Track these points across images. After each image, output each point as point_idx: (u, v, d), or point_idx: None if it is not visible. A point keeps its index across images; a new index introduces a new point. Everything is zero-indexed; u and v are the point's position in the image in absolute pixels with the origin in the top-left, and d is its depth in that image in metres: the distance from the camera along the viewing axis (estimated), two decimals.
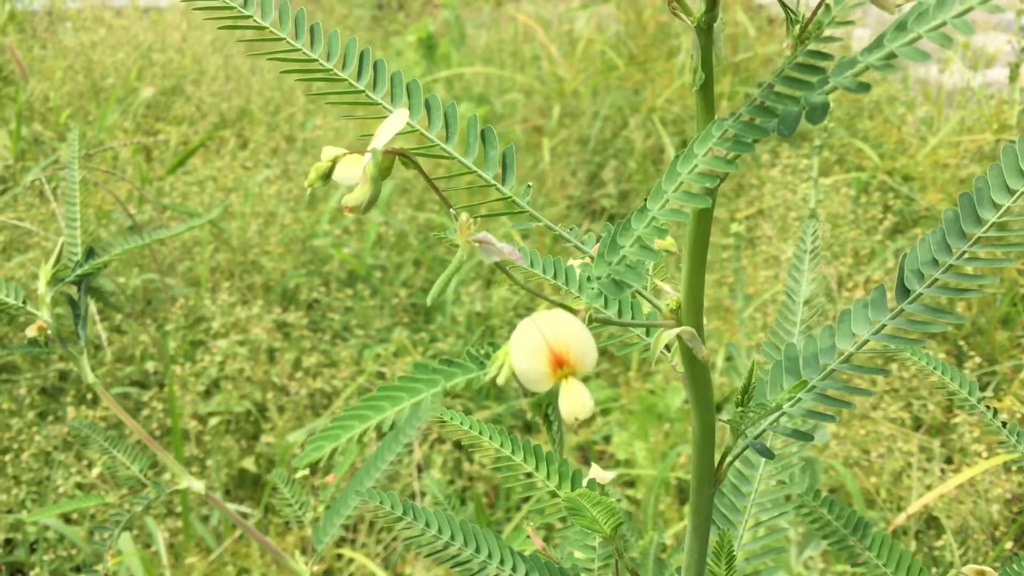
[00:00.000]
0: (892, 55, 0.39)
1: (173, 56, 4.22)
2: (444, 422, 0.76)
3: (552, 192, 3.44)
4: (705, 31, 0.43)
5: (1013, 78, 3.25)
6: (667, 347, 0.62)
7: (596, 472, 0.71)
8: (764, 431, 0.58)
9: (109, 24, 4.44)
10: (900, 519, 1.92)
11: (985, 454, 2.07)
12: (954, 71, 4.15)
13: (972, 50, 4.31)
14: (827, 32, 0.43)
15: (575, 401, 0.41)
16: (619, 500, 0.69)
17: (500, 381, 0.41)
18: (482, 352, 0.43)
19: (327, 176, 0.45)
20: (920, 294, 0.54)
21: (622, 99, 3.99)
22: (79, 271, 1.20)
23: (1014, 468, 2.03)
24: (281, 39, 0.53)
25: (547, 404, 0.43)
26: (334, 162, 0.45)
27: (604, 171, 3.54)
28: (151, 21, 4.67)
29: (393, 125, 0.44)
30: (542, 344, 0.40)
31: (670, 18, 4.42)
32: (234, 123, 3.88)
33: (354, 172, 0.45)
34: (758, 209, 3.17)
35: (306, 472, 1.24)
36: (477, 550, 0.69)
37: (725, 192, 3.40)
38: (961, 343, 2.51)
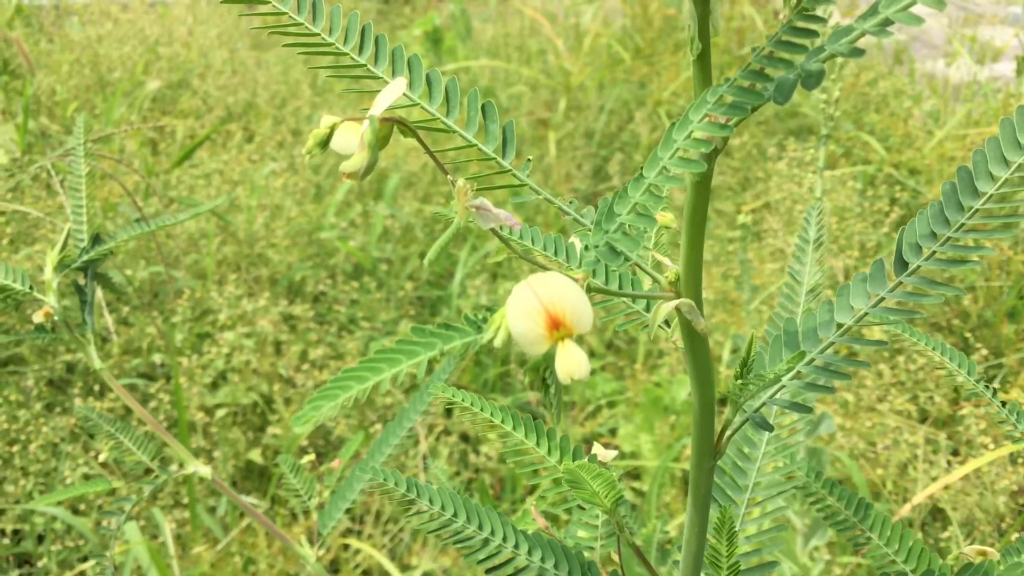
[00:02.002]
0: (888, 21, 0.40)
1: (179, 50, 4.23)
2: (452, 405, 0.76)
3: (558, 185, 3.44)
4: (702, 1, 0.44)
5: (1020, 71, 3.24)
6: (667, 323, 0.62)
7: (598, 450, 0.71)
8: (763, 404, 0.58)
9: (115, 18, 4.46)
10: (905, 510, 1.92)
11: (991, 446, 2.07)
12: (961, 65, 4.14)
13: (979, 43, 4.31)
14: None
15: (571, 362, 0.41)
16: (620, 478, 0.69)
17: (497, 343, 0.42)
18: (479, 316, 0.44)
19: (325, 143, 0.45)
20: (918, 267, 0.54)
21: (628, 93, 3.99)
22: (85, 257, 1.20)
23: (1020, 460, 2.03)
24: (284, 13, 0.54)
25: (544, 368, 0.43)
26: (332, 129, 0.45)
27: (610, 164, 3.54)
28: (157, 15, 4.68)
29: (391, 93, 0.44)
30: (538, 306, 0.41)
31: (676, 12, 4.41)
32: (240, 116, 3.88)
33: (352, 140, 0.45)
34: (764, 202, 3.17)
35: (312, 457, 1.24)
36: (480, 527, 0.70)
37: (731, 185, 3.40)
38: (968, 336, 2.51)
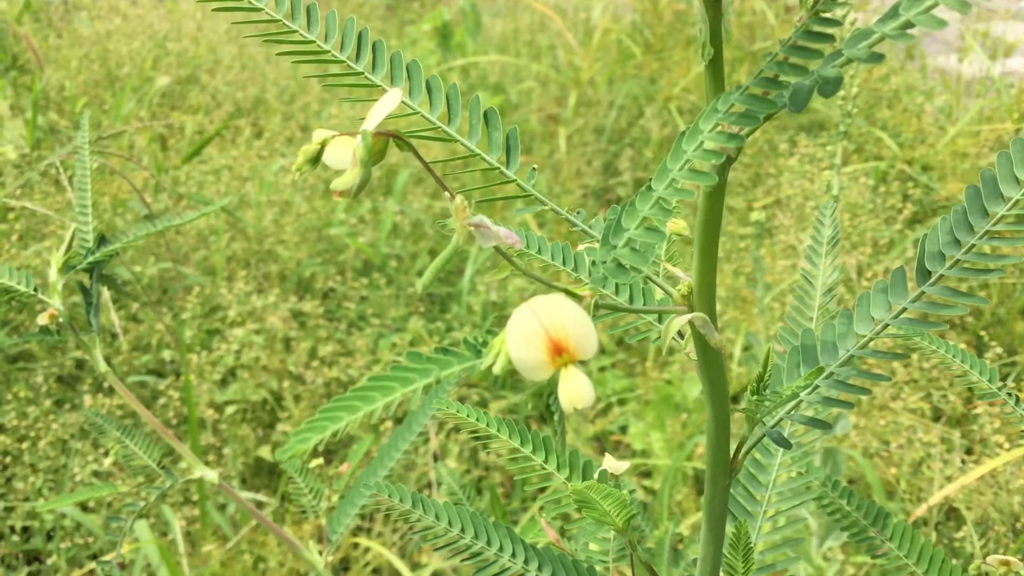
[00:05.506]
0: (909, 24, 0.38)
1: (188, 45, 4.22)
2: (459, 422, 0.75)
3: (568, 181, 3.42)
4: (713, 4, 0.42)
5: None
6: (681, 334, 0.60)
7: (609, 462, 0.69)
8: (781, 420, 0.56)
9: (124, 13, 4.45)
10: (921, 510, 1.90)
11: (1007, 445, 2.04)
12: (973, 60, 4.10)
13: (991, 39, 4.27)
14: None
15: (574, 390, 0.39)
16: (633, 491, 0.67)
17: (497, 370, 0.40)
18: (479, 340, 0.42)
19: (316, 159, 0.43)
20: (941, 276, 0.52)
21: (638, 88, 3.96)
22: (91, 258, 1.19)
23: None
24: (277, 20, 0.52)
25: (548, 393, 0.41)
26: (323, 145, 0.43)
27: (620, 160, 3.52)
28: (166, 10, 4.67)
29: (386, 106, 0.42)
30: (539, 331, 0.38)
31: (687, 7, 4.38)
32: (249, 112, 3.87)
33: (345, 155, 0.43)
34: (775, 199, 3.14)
35: (319, 461, 1.23)
36: (488, 543, 0.68)
37: (742, 182, 3.38)
38: (981, 333, 2.48)
